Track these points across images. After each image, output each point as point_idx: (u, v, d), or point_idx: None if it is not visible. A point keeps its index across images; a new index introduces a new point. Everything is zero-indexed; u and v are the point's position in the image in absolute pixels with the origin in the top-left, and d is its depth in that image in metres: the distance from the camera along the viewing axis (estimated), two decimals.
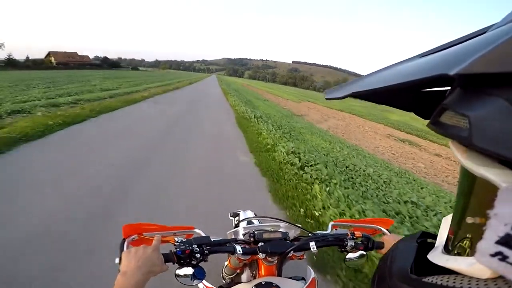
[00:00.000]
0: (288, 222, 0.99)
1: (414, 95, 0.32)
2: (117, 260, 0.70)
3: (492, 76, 0.18)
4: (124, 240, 0.80)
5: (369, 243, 0.92)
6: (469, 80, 0.21)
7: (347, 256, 0.94)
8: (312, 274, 0.97)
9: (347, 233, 0.93)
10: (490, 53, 0.18)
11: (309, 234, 0.95)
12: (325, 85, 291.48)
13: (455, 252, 0.31)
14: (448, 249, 0.33)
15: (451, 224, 0.33)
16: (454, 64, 0.19)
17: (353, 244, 0.90)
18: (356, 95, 0.30)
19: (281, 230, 0.97)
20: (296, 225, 0.99)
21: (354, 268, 1.86)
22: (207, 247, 0.79)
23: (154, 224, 0.89)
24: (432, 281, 0.29)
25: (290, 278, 0.93)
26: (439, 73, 0.20)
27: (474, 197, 0.27)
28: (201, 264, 0.78)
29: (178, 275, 0.76)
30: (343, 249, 0.93)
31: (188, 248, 0.75)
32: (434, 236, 0.39)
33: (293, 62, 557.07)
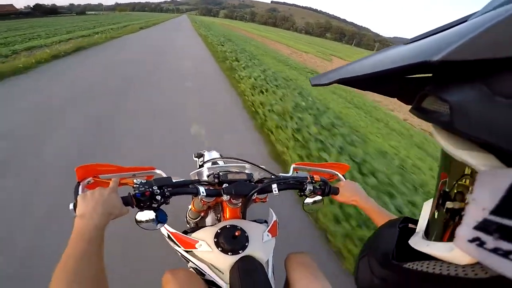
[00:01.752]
0: (253, 164, 0.98)
1: (398, 81, 0.31)
2: (71, 206, 0.64)
3: (472, 63, 0.19)
4: (78, 183, 0.74)
5: (326, 188, 0.92)
6: (450, 67, 0.21)
7: (305, 201, 0.94)
8: (274, 217, 0.97)
9: (306, 177, 0.93)
10: (470, 41, 0.19)
11: (272, 176, 0.94)
12: (306, 27, 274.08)
13: (435, 237, 0.31)
14: (428, 234, 0.33)
15: (431, 209, 0.33)
16: (436, 52, 0.20)
17: (312, 189, 0.91)
18: (341, 82, 0.30)
19: (246, 171, 0.96)
20: (260, 167, 0.98)
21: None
22: (169, 189, 0.75)
23: (111, 165, 0.81)
24: (412, 267, 0.30)
25: (254, 221, 0.93)
26: (421, 60, 0.21)
27: (453, 182, 0.28)
28: (163, 207, 0.75)
29: (139, 221, 0.72)
30: (302, 193, 0.93)
31: (148, 190, 0.71)
32: (416, 222, 0.39)
33: (272, 1, 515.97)
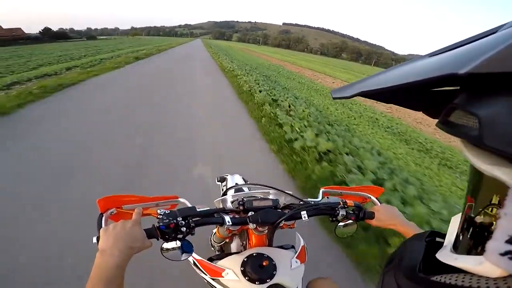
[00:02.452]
0: (278, 190, 0.95)
1: (423, 94, 0.31)
2: (94, 240, 0.63)
3: (502, 76, 0.18)
4: (101, 214, 0.73)
5: (360, 213, 0.89)
6: (479, 79, 0.21)
7: (338, 225, 0.90)
8: (301, 242, 0.95)
9: (339, 202, 0.90)
10: (501, 52, 0.18)
11: (300, 202, 0.92)
12: (321, 48, 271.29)
13: (464, 251, 0.30)
14: (457, 248, 0.32)
15: (460, 223, 0.33)
16: (464, 64, 0.19)
17: (345, 214, 0.88)
18: (364, 94, 0.29)
19: (271, 197, 0.95)
20: (286, 192, 0.95)
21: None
22: (194, 219, 0.75)
23: (134, 195, 0.81)
24: (440, 280, 0.29)
25: (281, 246, 0.93)
26: (449, 72, 0.20)
27: (483, 196, 0.27)
28: (188, 237, 0.74)
29: (164, 249, 0.70)
30: (334, 219, 0.90)
31: (172, 221, 0.70)
32: (443, 235, 0.39)
33: (284, 24, 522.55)
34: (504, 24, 0.25)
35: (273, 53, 54.06)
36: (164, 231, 0.69)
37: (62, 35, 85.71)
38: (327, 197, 0.99)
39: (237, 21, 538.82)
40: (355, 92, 0.30)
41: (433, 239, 0.42)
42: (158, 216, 0.71)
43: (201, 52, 27.45)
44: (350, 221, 0.89)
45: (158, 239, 0.69)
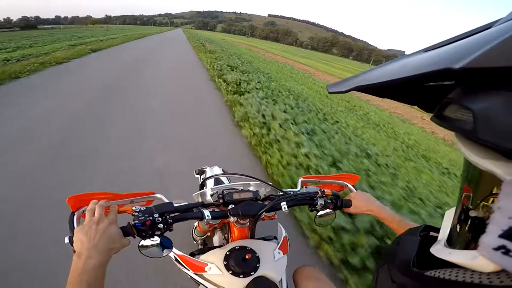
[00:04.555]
0: (258, 180, 0.92)
1: (418, 89, 0.31)
2: (66, 240, 0.61)
3: (496, 71, 0.18)
4: (73, 213, 0.68)
5: (338, 202, 0.90)
6: (473, 74, 0.21)
7: (317, 215, 0.92)
8: (283, 232, 0.96)
9: (317, 192, 0.91)
10: (495, 48, 0.18)
11: (280, 192, 0.92)
12: (311, 42, 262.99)
13: (458, 245, 0.30)
14: (451, 243, 0.33)
15: (454, 218, 0.33)
16: (459, 58, 0.19)
17: (323, 203, 0.89)
18: (360, 89, 0.30)
19: (251, 189, 0.93)
20: (266, 183, 0.93)
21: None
22: (171, 215, 0.72)
23: (107, 192, 0.75)
24: (434, 274, 0.29)
25: (263, 238, 0.93)
26: (444, 67, 0.20)
27: (477, 191, 0.27)
28: (167, 234, 0.71)
29: (142, 246, 0.68)
30: (313, 209, 0.91)
31: (148, 218, 0.67)
32: (437, 230, 0.39)
33: (269, 15, 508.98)
34: (499, 20, 0.25)
35: (282, 51, 45.06)
36: (141, 229, 0.66)
37: None
38: (306, 187, 0.98)
39: (221, 11, 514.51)
40: (351, 87, 0.30)
41: (427, 234, 0.42)
42: (134, 214, 0.67)
43: (180, 44, 18.11)
44: (329, 210, 0.90)
45: (134, 237, 0.66)
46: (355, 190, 0.98)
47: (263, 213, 0.80)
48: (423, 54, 0.28)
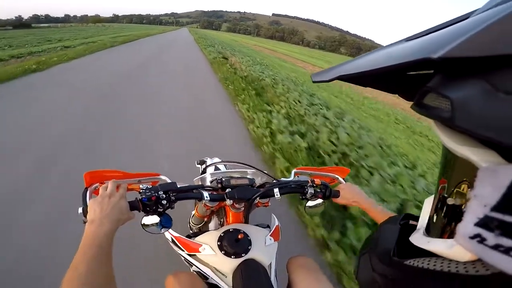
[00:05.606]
0: (255, 168, 0.99)
1: (400, 78, 0.32)
2: (80, 210, 0.67)
3: (473, 60, 0.19)
4: (86, 189, 0.76)
5: (326, 191, 0.93)
6: (451, 63, 0.21)
7: (307, 204, 0.96)
8: (276, 221, 0.99)
9: (307, 181, 0.94)
10: (472, 38, 0.19)
11: (274, 181, 0.96)
12: (318, 41, 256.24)
13: (436, 234, 0.31)
14: (429, 231, 0.33)
15: (432, 206, 0.33)
16: (438, 48, 0.20)
17: (313, 192, 0.92)
18: (343, 78, 0.31)
19: (248, 176, 0.97)
20: (262, 172, 0.99)
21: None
22: (174, 194, 0.77)
23: (118, 171, 0.82)
24: (413, 263, 0.30)
25: (256, 225, 0.95)
26: (423, 57, 0.21)
27: (455, 178, 0.27)
28: (168, 212, 0.77)
29: (145, 224, 0.74)
30: (303, 197, 0.94)
31: (154, 195, 0.73)
32: (417, 218, 0.39)
33: (273, 14, 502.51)
34: (476, 10, 0.26)
35: (301, 54, 40.21)
36: (146, 203, 0.71)
37: None
38: (298, 177, 1.02)
39: (226, 11, 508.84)
40: (334, 76, 0.31)
41: (407, 222, 0.42)
42: (141, 190, 0.73)
43: (184, 45, 12.77)
44: (319, 200, 0.95)
45: (139, 211, 0.71)
46: (344, 182, 1.01)
47: (257, 198, 0.86)
48: (404, 43, 0.28)
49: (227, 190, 0.85)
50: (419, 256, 0.30)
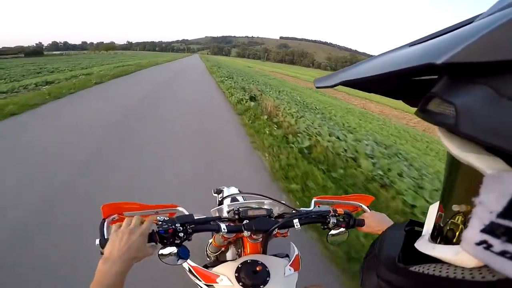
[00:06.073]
0: (272, 199, 0.97)
1: (403, 83, 0.31)
2: (97, 241, 0.68)
3: (478, 65, 0.19)
4: (104, 220, 0.77)
5: (350, 220, 0.91)
6: (455, 68, 0.22)
7: (329, 233, 0.94)
8: (295, 251, 0.98)
9: (329, 210, 0.92)
10: (476, 42, 0.18)
11: (293, 211, 0.95)
12: (329, 62, 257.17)
13: (442, 240, 0.31)
14: (434, 238, 0.33)
15: (437, 212, 0.33)
16: (441, 53, 0.20)
17: (335, 221, 0.90)
18: (346, 84, 0.30)
19: (265, 207, 0.96)
20: (280, 202, 0.97)
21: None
22: (191, 226, 0.78)
23: (135, 203, 0.86)
24: (419, 270, 0.30)
25: (275, 255, 0.94)
26: (427, 62, 0.21)
27: (460, 185, 0.27)
28: (185, 243, 0.78)
29: (162, 255, 0.74)
30: (325, 227, 0.92)
31: (171, 227, 0.73)
32: (422, 224, 0.38)
33: (281, 37, 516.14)
34: (480, 14, 0.25)
35: (307, 75, 36.89)
36: (163, 236, 0.72)
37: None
38: (318, 206, 1.00)
39: (234, 36, 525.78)
40: (338, 82, 0.30)
41: (413, 228, 0.42)
42: (158, 222, 0.74)
43: (197, 75, 9.46)
44: (342, 229, 0.91)
45: (156, 244, 0.72)
46: (369, 211, 0.98)
47: (276, 229, 0.84)
48: (408, 48, 0.28)
49: (245, 221, 0.83)
50: (425, 263, 0.30)
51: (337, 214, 0.90)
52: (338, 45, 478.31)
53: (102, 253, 0.64)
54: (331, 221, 0.88)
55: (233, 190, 1.49)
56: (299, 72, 56.51)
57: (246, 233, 0.82)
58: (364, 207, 1.03)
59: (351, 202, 1.05)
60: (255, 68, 39.44)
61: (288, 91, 14.74)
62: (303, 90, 19.22)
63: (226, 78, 13.32)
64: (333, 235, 0.92)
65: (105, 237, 0.69)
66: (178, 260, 0.74)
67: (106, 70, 14.94)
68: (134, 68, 17.88)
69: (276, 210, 0.95)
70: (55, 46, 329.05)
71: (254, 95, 8.49)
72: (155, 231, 0.71)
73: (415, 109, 0.29)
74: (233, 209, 0.89)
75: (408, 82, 0.30)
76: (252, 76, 20.75)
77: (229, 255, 1.16)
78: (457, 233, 0.27)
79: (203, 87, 11.11)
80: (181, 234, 0.73)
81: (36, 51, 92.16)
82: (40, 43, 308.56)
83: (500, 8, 0.22)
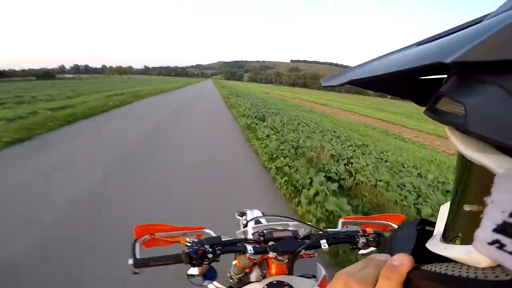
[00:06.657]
0: (297, 220, 0.97)
1: (412, 82, 0.31)
2: (130, 261, 0.69)
3: (487, 64, 0.19)
4: (135, 240, 0.79)
5: (380, 240, 0.90)
6: (465, 67, 0.22)
7: (359, 253, 0.92)
8: (323, 271, 0.97)
9: (358, 230, 0.91)
10: (485, 41, 0.18)
11: (320, 232, 0.94)
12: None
13: (453, 240, 0.30)
14: (446, 237, 0.33)
15: (449, 212, 0.33)
16: (450, 52, 0.20)
17: (365, 241, 0.89)
18: (354, 83, 0.30)
19: (290, 228, 0.96)
20: (306, 223, 0.97)
21: None
22: (219, 247, 0.79)
23: (165, 224, 0.88)
24: (430, 269, 0.29)
25: (301, 276, 0.93)
26: (436, 61, 0.21)
27: (471, 184, 0.27)
28: (212, 264, 0.78)
29: (190, 275, 0.78)
30: (354, 247, 0.91)
31: (200, 248, 0.75)
32: (433, 224, 0.38)
33: (292, 61, 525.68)
34: (489, 14, 0.25)
35: (362, 107, 35.48)
36: (193, 257, 0.73)
37: (3, 75, 66.33)
38: (346, 227, 0.98)
39: (246, 61, 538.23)
40: (345, 81, 0.30)
41: (424, 228, 0.42)
42: (187, 244, 0.76)
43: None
44: (372, 248, 0.89)
45: (186, 264, 0.73)
46: None
47: (302, 251, 0.83)
48: (416, 48, 0.28)
49: (270, 243, 0.84)
50: (436, 262, 0.29)
51: (366, 234, 0.89)
52: (349, 66, 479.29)
53: (134, 273, 0.66)
54: (360, 241, 0.88)
55: (256, 212, 1.48)
56: (322, 97, 51.30)
57: (271, 254, 0.83)
58: (394, 226, 1.00)
59: (380, 221, 1.02)
60: (272, 94, 35.15)
61: (348, 134, 9.74)
62: (359, 127, 14.38)
63: (256, 120, 8.41)
64: (363, 254, 0.90)
65: (137, 257, 0.71)
66: (204, 281, 0.80)
67: (95, 101, 10.55)
68: (128, 99, 13.44)
69: (302, 232, 0.95)
70: (75, 69, 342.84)
71: (310, 148, 3.48)
72: (185, 252, 0.73)
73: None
74: (258, 231, 0.90)
75: (416, 82, 0.30)
76: (278, 106, 16.18)
77: (253, 276, 1.11)
78: (469, 233, 0.26)
79: (224, 137, 6.13)
80: (210, 255, 0.74)
81: (48, 74, 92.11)
82: (62, 65, 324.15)
83: (509, 7, 0.22)
